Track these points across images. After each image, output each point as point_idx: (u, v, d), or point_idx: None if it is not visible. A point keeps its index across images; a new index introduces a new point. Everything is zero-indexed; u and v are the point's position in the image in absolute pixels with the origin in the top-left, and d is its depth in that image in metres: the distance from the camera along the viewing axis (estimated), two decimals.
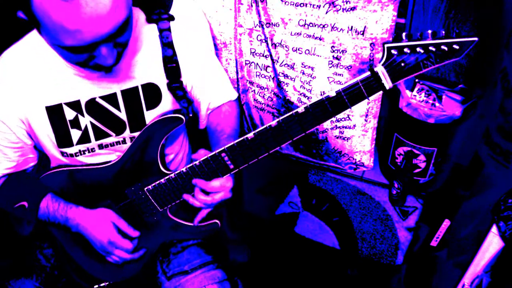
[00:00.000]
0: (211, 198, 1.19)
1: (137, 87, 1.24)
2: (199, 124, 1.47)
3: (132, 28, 1.06)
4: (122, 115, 1.26)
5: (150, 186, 1.27)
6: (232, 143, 1.13)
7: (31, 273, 1.36)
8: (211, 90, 1.39)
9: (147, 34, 1.23)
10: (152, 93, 1.26)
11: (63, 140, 1.24)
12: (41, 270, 1.38)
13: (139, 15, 1.23)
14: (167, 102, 1.29)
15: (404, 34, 1.00)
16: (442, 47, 0.98)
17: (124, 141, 1.31)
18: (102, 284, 1.40)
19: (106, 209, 1.30)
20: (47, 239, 1.43)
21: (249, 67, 1.72)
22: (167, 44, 1.24)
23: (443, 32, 0.99)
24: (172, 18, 1.24)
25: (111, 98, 1.23)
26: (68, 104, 1.20)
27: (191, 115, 1.34)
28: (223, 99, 1.43)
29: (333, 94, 1.05)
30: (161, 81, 1.27)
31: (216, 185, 1.18)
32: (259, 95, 1.80)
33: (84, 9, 0.89)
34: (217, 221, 1.35)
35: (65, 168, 1.30)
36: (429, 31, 0.98)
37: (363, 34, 1.40)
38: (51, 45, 1.01)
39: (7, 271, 1.37)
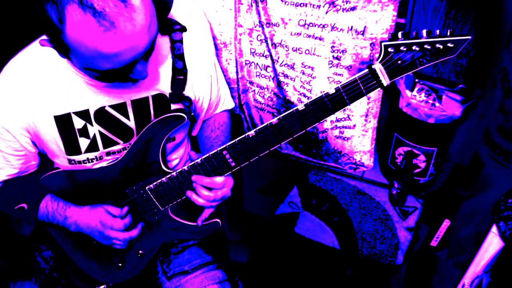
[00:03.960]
0: (214, 194, 1.18)
1: (147, 97, 1.24)
2: (192, 130, 1.48)
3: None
4: (131, 123, 1.26)
5: (151, 185, 1.27)
6: (234, 141, 1.13)
7: (30, 276, 1.36)
8: (214, 100, 1.42)
9: (160, 45, 1.23)
10: (161, 103, 1.26)
11: (71, 148, 1.23)
12: (40, 273, 1.37)
13: None
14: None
15: (400, 33, 1.02)
16: (437, 45, 1.00)
17: None
18: (101, 287, 1.39)
19: (98, 204, 1.30)
20: (46, 241, 1.43)
21: (249, 67, 1.72)
22: (178, 56, 1.24)
23: (438, 31, 1.01)
24: (184, 29, 1.24)
25: (120, 107, 1.22)
26: (77, 113, 1.19)
27: (192, 113, 1.35)
28: (222, 108, 1.47)
29: (332, 91, 1.06)
30: (167, 91, 1.27)
31: (218, 181, 1.18)
32: (259, 95, 1.80)
33: (123, 33, 0.89)
34: (218, 220, 1.35)
35: (65, 169, 1.30)
36: (424, 30, 1.00)
37: (363, 34, 1.40)
38: (80, 68, 1.01)
39: (5, 273, 1.37)
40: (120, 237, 1.28)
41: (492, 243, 1.43)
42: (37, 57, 1.14)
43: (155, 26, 0.98)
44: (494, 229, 1.42)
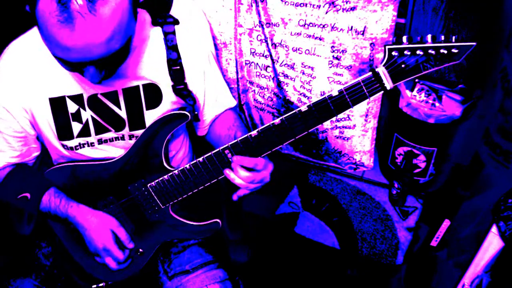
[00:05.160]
0: (253, 175, 1.13)
1: (138, 86, 1.25)
2: (197, 130, 1.47)
3: (130, 50, 1.07)
4: (122, 113, 1.27)
5: (153, 183, 1.28)
6: (236, 140, 1.13)
7: (31, 272, 1.37)
8: (210, 96, 1.39)
9: (151, 36, 1.24)
10: (152, 93, 1.27)
11: (64, 132, 1.26)
12: (40, 269, 1.38)
13: (145, 17, 1.24)
14: (167, 103, 1.30)
15: (405, 37, 1.02)
16: (442, 50, 1.00)
17: (122, 138, 1.32)
18: (100, 284, 1.40)
19: (108, 215, 1.31)
20: (46, 237, 1.44)
21: (249, 67, 1.72)
22: (171, 47, 1.25)
23: (443, 36, 1.01)
24: (177, 22, 1.25)
25: (112, 96, 1.24)
26: (71, 97, 1.22)
27: (196, 112, 1.35)
28: (221, 106, 1.43)
29: (335, 93, 1.06)
30: (164, 83, 1.27)
31: (259, 162, 1.13)
32: (259, 95, 1.81)
33: (77, 33, 0.91)
34: (218, 220, 1.35)
35: (69, 164, 1.31)
36: (429, 35, 1.01)
37: (363, 34, 1.40)
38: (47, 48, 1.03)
39: (6, 270, 1.37)
40: (110, 265, 1.32)
41: (492, 243, 1.43)
42: (35, 42, 1.16)
43: (119, 42, 0.98)
44: (494, 229, 1.42)
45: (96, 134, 1.28)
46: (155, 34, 1.25)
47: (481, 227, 1.60)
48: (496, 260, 1.45)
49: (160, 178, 1.26)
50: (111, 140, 1.31)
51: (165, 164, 1.27)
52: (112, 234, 1.29)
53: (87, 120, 1.26)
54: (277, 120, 1.10)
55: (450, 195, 2.17)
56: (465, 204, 1.83)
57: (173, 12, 1.26)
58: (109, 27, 0.93)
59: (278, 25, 1.53)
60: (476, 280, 1.52)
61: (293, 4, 1.45)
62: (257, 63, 1.69)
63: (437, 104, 2.17)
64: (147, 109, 1.28)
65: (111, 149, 1.33)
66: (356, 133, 1.67)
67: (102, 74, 1.05)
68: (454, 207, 1.88)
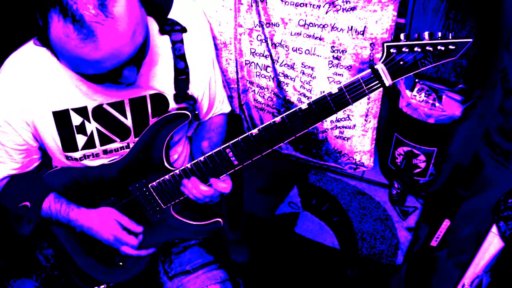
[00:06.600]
0: (209, 189, 1.20)
1: (145, 96, 1.24)
2: (188, 130, 1.48)
3: (150, 41, 1.06)
4: (128, 122, 1.26)
5: (154, 183, 1.28)
6: (237, 139, 1.13)
7: (31, 273, 1.36)
8: (211, 101, 1.41)
9: (159, 45, 1.23)
10: (159, 103, 1.26)
11: (68, 145, 1.24)
12: (41, 270, 1.38)
13: (152, 26, 1.22)
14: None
15: (402, 34, 1.03)
16: (439, 47, 1.01)
17: (128, 146, 1.31)
18: (101, 286, 1.40)
19: (107, 207, 1.31)
20: (47, 239, 1.43)
21: (249, 67, 1.72)
22: (179, 57, 1.24)
23: (439, 33, 1.02)
24: (184, 30, 1.24)
25: (118, 105, 1.23)
26: (75, 110, 1.20)
27: (197, 112, 1.35)
28: (218, 111, 1.46)
29: (335, 90, 1.07)
30: (170, 92, 1.27)
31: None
32: (259, 95, 1.80)
33: (102, 42, 0.89)
34: (219, 219, 1.35)
35: (69, 166, 1.31)
36: (426, 32, 1.02)
37: (363, 34, 1.40)
38: (71, 70, 1.02)
39: (7, 271, 1.37)
40: (130, 253, 1.30)
41: (492, 243, 1.44)
42: (36, 53, 1.15)
43: (142, 33, 0.97)
44: (494, 229, 1.42)
45: (101, 145, 1.27)
46: (163, 43, 1.23)
47: (481, 227, 1.60)
48: (496, 260, 1.45)
49: (161, 178, 1.26)
50: (116, 150, 1.30)
51: (166, 164, 1.27)
52: (118, 224, 1.28)
53: (91, 132, 1.24)
54: (277, 118, 1.10)
55: (450, 195, 2.17)
56: (465, 204, 1.83)
57: (173, 13, 1.25)
58: (129, 22, 0.91)
59: (278, 25, 1.53)
60: (476, 280, 1.52)
61: (293, 4, 1.45)
62: (257, 63, 1.69)
63: (437, 104, 2.17)
64: (153, 117, 1.27)
65: (116, 158, 1.32)
66: (356, 133, 1.67)
67: (135, 71, 1.04)
68: (454, 207, 1.88)
